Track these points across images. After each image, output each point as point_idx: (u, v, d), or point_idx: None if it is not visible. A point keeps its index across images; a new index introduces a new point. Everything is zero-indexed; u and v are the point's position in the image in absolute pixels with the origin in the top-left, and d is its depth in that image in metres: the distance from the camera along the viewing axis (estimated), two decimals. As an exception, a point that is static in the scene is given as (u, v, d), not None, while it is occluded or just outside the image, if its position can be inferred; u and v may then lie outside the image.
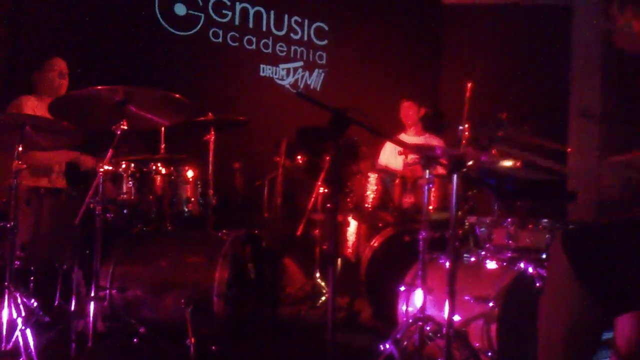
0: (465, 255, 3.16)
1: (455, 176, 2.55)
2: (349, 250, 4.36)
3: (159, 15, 5.25)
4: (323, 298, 4.50)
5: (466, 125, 3.00)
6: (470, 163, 2.65)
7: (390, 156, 4.92)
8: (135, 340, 3.04)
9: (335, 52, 6.09)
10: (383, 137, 3.76)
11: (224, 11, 5.58)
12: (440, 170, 3.35)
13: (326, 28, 6.06)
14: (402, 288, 3.15)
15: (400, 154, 4.37)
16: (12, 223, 2.92)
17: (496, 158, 2.68)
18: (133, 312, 3.21)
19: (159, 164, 3.59)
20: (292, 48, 5.90)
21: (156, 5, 5.23)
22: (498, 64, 5.99)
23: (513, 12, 6.11)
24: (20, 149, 2.96)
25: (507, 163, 2.66)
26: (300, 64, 5.93)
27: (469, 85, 3.21)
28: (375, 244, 4.06)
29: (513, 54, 6.01)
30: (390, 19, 6.31)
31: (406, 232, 3.97)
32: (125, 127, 3.10)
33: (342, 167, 4.14)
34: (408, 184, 4.08)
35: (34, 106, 3.94)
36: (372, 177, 4.09)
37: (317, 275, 4.60)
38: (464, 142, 2.97)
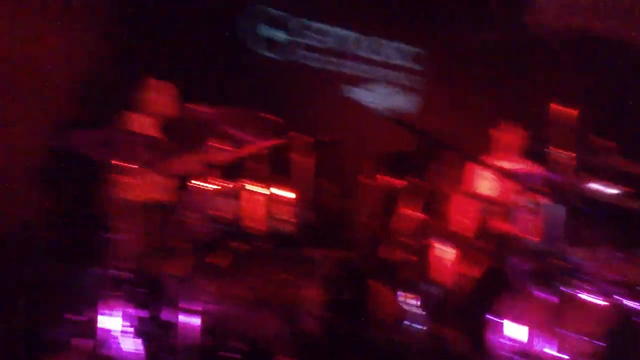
0: (565, 288, 3.04)
1: (559, 206, 2.47)
2: (440, 276, 4.28)
3: (251, 39, 5.39)
4: (414, 324, 4.42)
5: (572, 154, 2.89)
6: (575, 192, 2.57)
7: (487, 182, 4.81)
8: (229, 354, 3.11)
9: (429, 74, 6.04)
10: (478, 162, 3.69)
11: (314, 34, 5.66)
12: (542, 197, 3.25)
13: (418, 50, 6.04)
14: (496, 319, 3.06)
15: (498, 180, 4.28)
16: (116, 234, 3.08)
17: (599, 186, 2.57)
18: (229, 326, 3.28)
19: (254, 183, 3.67)
20: (385, 71, 5.91)
21: (244, 28, 5.38)
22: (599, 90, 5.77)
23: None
24: (127, 164, 3.13)
25: (611, 191, 2.55)
26: (394, 87, 5.94)
27: (576, 112, 3.09)
28: (470, 272, 3.97)
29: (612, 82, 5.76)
30: (490, 40, 6.18)
31: (504, 262, 3.86)
32: (220, 146, 3.23)
33: (435, 191, 4.09)
34: (506, 212, 3.97)
35: (140, 124, 4.13)
36: (468, 202, 4.02)
37: (408, 299, 4.53)
38: (569, 170, 2.87)
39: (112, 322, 3.01)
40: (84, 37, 4.56)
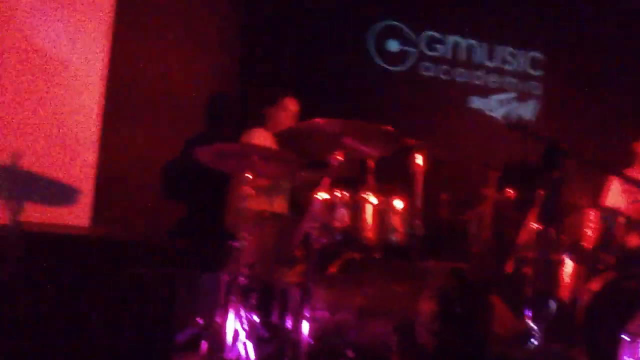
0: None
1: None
2: (565, 292, 4.09)
3: (372, 52, 5.48)
4: (534, 341, 4.26)
5: None
6: None
7: (616, 195, 4.55)
8: (341, 362, 3.17)
9: (551, 81, 5.83)
10: (604, 171, 3.51)
11: (435, 45, 5.66)
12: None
13: (542, 57, 5.83)
14: (626, 337, 2.88)
15: (624, 191, 4.04)
16: (240, 243, 3.24)
17: None
18: (342, 334, 3.34)
19: (369, 194, 3.71)
20: (505, 79, 5.77)
21: (370, 43, 5.47)
22: None
23: None
24: (249, 175, 3.29)
25: None
26: (513, 95, 5.78)
27: None
28: (595, 288, 3.77)
29: None
30: (617, 44, 5.87)
31: (631, 277, 3.63)
32: (341, 158, 3.30)
33: (557, 203, 3.92)
34: (635, 225, 3.75)
35: (263, 138, 4.33)
36: (592, 214, 3.83)
37: (528, 316, 4.37)
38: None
39: (233, 326, 3.16)
40: (210, 56, 4.85)
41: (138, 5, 4.26)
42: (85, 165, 3.76)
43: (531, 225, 4.05)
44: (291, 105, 4.41)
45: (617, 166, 4.49)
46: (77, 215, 3.72)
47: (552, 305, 4.04)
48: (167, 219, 4.50)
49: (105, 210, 3.97)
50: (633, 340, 2.83)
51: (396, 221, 3.72)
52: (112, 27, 3.85)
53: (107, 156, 3.92)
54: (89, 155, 3.77)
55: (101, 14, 3.83)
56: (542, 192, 4.06)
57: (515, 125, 5.03)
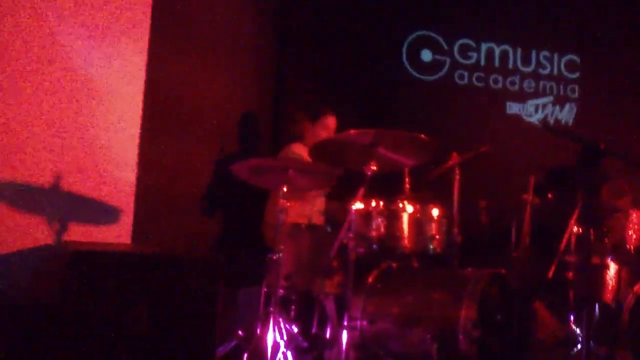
0: None
1: None
2: (609, 295, 4.00)
3: (406, 62, 5.50)
4: (578, 346, 4.17)
5: None
6: None
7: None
8: (382, 371, 3.16)
9: (588, 84, 5.74)
10: None
11: (469, 53, 5.65)
12: None
13: (577, 60, 5.76)
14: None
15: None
16: (278, 255, 3.29)
17: None
18: (381, 343, 3.33)
19: (405, 202, 3.72)
20: (541, 83, 5.72)
21: (403, 53, 5.50)
22: None
23: None
24: (285, 189, 3.34)
25: None
26: (550, 99, 5.71)
27: None
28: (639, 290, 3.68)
29: None
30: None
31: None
32: (375, 168, 3.33)
33: (598, 204, 3.85)
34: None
35: (301, 153, 4.37)
36: (635, 216, 3.75)
37: (572, 321, 4.28)
38: None
39: (273, 337, 3.19)
40: (245, 72, 4.93)
41: (173, 24, 4.37)
42: (126, 183, 3.85)
43: (573, 229, 3.99)
44: (331, 123, 4.41)
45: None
46: (119, 233, 3.82)
47: (596, 309, 3.95)
48: (206, 234, 4.58)
49: (146, 228, 4.06)
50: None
51: (433, 229, 3.71)
52: (148, 45, 3.95)
53: (146, 174, 4.01)
54: (129, 174, 3.87)
55: (137, 33, 3.93)
56: (581, 195, 4.01)
57: (552, 128, 4.97)
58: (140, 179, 3.94)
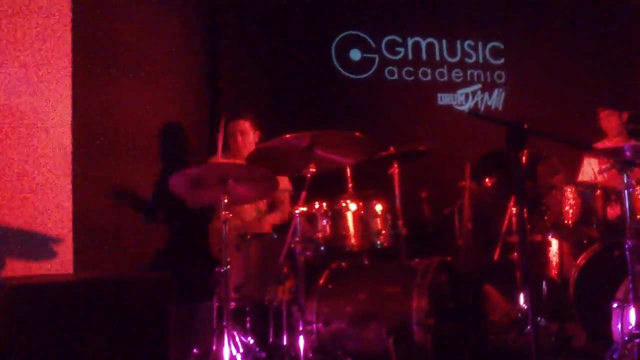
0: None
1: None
2: (554, 271, 4.13)
3: (336, 63, 5.53)
4: (527, 323, 4.27)
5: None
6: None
7: (590, 169, 4.63)
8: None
9: (514, 68, 5.91)
10: (573, 146, 3.55)
11: (396, 49, 5.72)
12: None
13: (502, 46, 5.92)
14: (615, 305, 2.91)
15: (600, 164, 4.10)
16: (225, 268, 3.24)
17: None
18: (338, 344, 3.33)
19: (348, 201, 3.73)
20: (469, 72, 5.84)
21: (333, 54, 5.52)
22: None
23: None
24: (226, 200, 3.29)
25: None
26: (478, 86, 5.84)
27: None
28: (582, 262, 3.81)
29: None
30: (570, 25, 5.99)
31: (615, 246, 3.67)
32: (314, 170, 3.33)
33: (533, 184, 3.97)
34: (612, 195, 3.80)
35: (233, 158, 4.30)
36: (569, 191, 3.88)
37: (522, 300, 4.39)
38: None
39: (229, 352, 3.14)
40: (177, 85, 4.85)
41: (97, 45, 4.28)
42: (63, 212, 3.74)
43: (512, 211, 4.10)
44: (235, 127, 4.34)
45: (587, 141, 4.56)
46: (60, 263, 3.71)
47: (543, 285, 4.07)
48: (153, 253, 4.48)
49: (88, 255, 3.95)
50: (622, 307, 2.86)
51: (379, 224, 3.74)
52: (72, 71, 3.86)
53: (82, 199, 3.91)
54: (64, 202, 3.76)
55: (60, 61, 3.86)
56: (518, 177, 4.12)
57: (476, 114, 5.11)
58: (77, 206, 3.83)
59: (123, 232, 4.29)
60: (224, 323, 3.17)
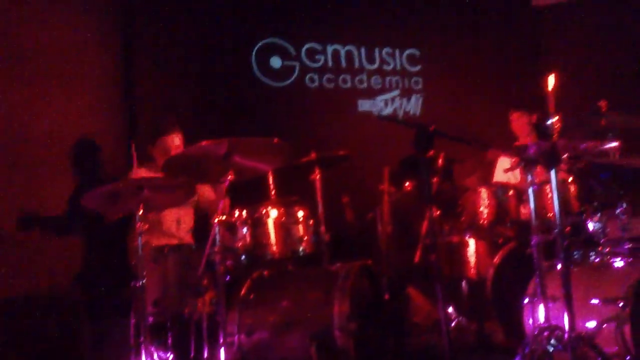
0: (591, 255, 2.98)
1: (553, 172, 2.44)
2: (472, 271, 4.23)
3: (256, 71, 5.50)
4: (453, 324, 4.37)
5: (555, 118, 2.85)
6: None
7: (501, 169, 4.77)
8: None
9: (430, 75, 6.05)
10: (473, 145, 3.63)
11: (316, 56, 5.75)
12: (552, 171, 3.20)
13: (418, 53, 6.05)
14: (526, 301, 3.01)
15: (512, 164, 4.23)
16: (141, 282, 3.13)
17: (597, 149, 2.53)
18: (261, 354, 3.29)
19: (269, 208, 3.69)
20: (387, 79, 5.94)
21: (253, 62, 5.49)
22: (596, 55, 5.74)
23: (602, 2, 5.88)
24: (142, 211, 3.19)
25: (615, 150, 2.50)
26: (397, 92, 5.95)
27: (552, 76, 3.02)
28: (497, 261, 3.92)
29: (610, 44, 5.73)
30: (482, 31, 6.19)
31: (528, 245, 3.79)
32: (232, 177, 3.28)
33: (450, 186, 4.07)
34: (524, 194, 3.93)
35: (146, 174, 4.17)
36: (484, 192, 3.99)
37: (443, 301, 4.47)
38: (555, 135, 2.83)
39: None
40: (92, 92, 4.69)
41: (2, 49, 4.09)
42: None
43: (431, 213, 4.17)
44: (170, 142, 4.14)
45: (490, 142, 4.69)
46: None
47: (462, 285, 4.17)
48: (67, 269, 4.29)
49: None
50: (532, 302, 2.95)
51: (301, 230, 3.72)
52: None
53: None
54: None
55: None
56: (436, 180, 4.22)
57: (384, 117, 5.20)
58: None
59: (36, 247, 4.09)
60: (141, 339, 3.07)
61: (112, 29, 4.93)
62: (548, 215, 3.51)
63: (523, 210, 3.97)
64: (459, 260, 4.18)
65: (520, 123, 4.88)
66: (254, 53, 5.52)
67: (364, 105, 5.83)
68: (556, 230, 2.52)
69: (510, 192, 4.01)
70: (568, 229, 3.06)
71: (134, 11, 5.06)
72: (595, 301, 2.61)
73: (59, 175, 4.37)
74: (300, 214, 3.77)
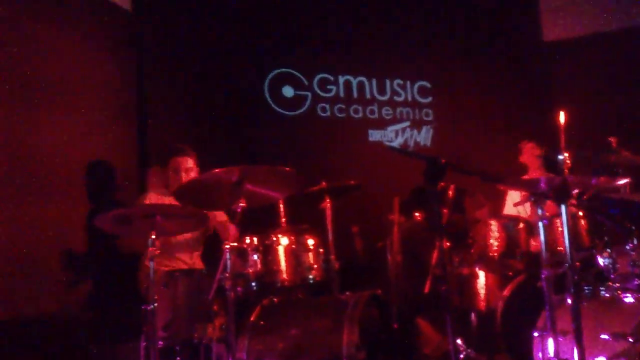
0: (601, 290, 2.98)
1: (563, 207, 2.46)
2: (482, 303, 4.21)
3: (269, 100, 5.58)
4: (462, 355, 4.34)
5: (566, 154, 2.88)
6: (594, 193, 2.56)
7: (512, 201, 4.79)
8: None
9: (441, 106, 6.12)
10: (482, 177, 3.65)
11: (328, 86, 5.83)
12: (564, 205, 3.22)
13: (429, 85, 6.13)
14: (536, 334, 3.00)
15: (522, 197, 4.25)
16: (152, 306, 3.15)
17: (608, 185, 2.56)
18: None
19: (279, 235, 3.73)
20: (398, 110, 6.01)
21: (266, 91, 5.58)
22: (607, 90, 5.79)
23: (614, 39, 5.94)
24: (154, 236, 3.23)
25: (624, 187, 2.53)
26: (407, 123, 6.01)
27: (562, 113, 3.06)
28: (507, 294, 3.91)
29: (621, 80, 5.78)
30: (493, 64, 6.27)
31: (538, 277, 3.79)
32: (244, 205, 3.31)
33: (461, 217, 4.08)
34: (534, 227, 3.94)
35: (156, 199, 4.21)
36: (494, 225, 4.01)
37: (452, 332, 4.45)
38: (566, 171, 2.86)
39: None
40: (105, 121, 4.75)
41: (15, 74, 4.14)
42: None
43: (441, 244, 4.18)
44: (182, 163, 4.23)
45: (509, 175, 4.73)
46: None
47: (472, 316, 4.15)
48: (79, 293, 4.31)
49: (8, 297, 3.76)
50: (542, 336, 2.94)
51: (311, 258, 3.74)
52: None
53: (3, 238, 3.74)
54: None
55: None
56: (446, 211, 4.23)
57: (395, 149, 5.24)
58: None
59: (49, 271, 4.12)
60: (153, 362, 3.08)
61: (125, 56, 5.01)
62: (558, 248, 3.52)
63: (533, 243, 3.98)
64: (469, 291, 4.17)
65: (531, 154, 4.91)
66: (266, 82, 5.61)
67: (375, 135, 5.89)
68: (566, 265, 2.52)
69: (521, 225, 4.02)
70: (578, 264, 3.07)
71: (146, 37, 5.15)
72: (605, 336, 2.61)
73: (74, 199, 4.40)
74: (311, 242, 3.79)
